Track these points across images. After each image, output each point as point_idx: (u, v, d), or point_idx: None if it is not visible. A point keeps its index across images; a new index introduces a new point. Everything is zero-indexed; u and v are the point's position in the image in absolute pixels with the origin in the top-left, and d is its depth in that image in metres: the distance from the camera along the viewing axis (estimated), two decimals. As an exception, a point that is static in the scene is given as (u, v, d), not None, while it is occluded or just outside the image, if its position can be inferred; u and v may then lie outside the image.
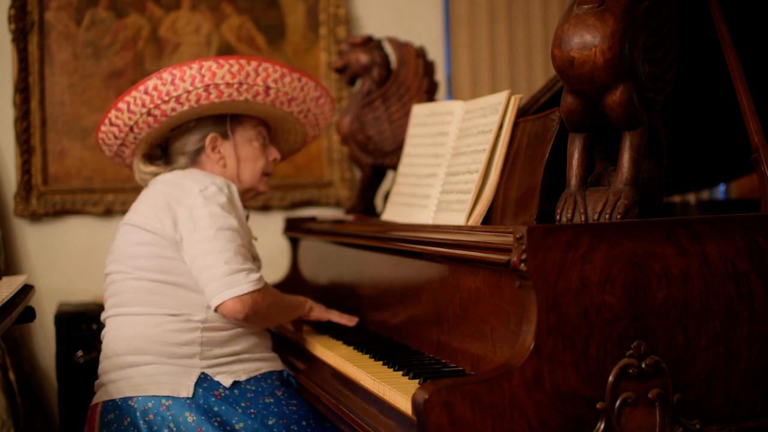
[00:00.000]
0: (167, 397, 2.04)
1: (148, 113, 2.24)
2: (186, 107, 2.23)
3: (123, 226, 2.23)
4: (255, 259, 2.26)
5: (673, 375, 1.49)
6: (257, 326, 2.18)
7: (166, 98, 2.21)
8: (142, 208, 2.20)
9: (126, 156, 2.40)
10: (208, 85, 2.21)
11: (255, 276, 2.09)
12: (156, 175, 2.31)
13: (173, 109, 2.23)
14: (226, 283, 2.05)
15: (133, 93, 2.23)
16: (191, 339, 2.09)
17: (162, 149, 2.38)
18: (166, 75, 2.21)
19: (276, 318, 2.27)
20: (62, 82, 3.43)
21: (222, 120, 2.33)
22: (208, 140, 2.30)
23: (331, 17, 3.64)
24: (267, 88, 2.28)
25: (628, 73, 1.57)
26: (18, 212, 3.37)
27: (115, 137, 2.32)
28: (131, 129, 2.28)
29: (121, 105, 2.24)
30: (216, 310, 2.08)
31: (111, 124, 2.29)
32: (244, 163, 2.34)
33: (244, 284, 2.05)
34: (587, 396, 1.44)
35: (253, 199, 2.48)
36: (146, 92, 2.22)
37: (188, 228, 2.10)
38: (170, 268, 2.12)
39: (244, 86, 2.24)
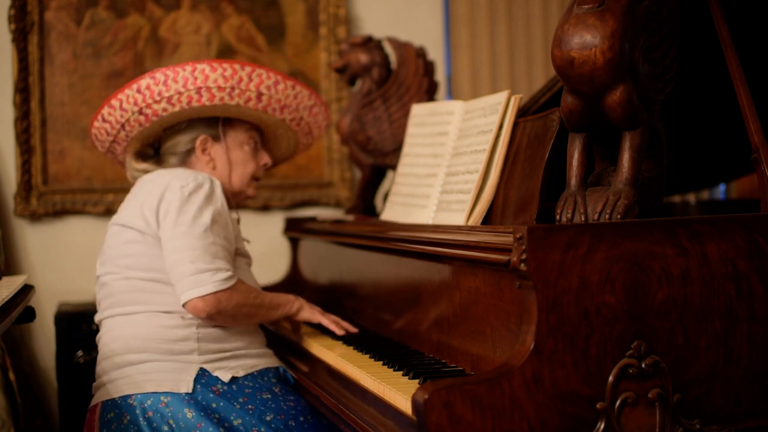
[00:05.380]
0: (166, 394, 2.05)
1: (140, 112, 2.25)
2: (177, 108, 2.25)
3: (111, 226, 2.25)
4: (242, 255, 2.28)
5: (673, 375, 1.49)
6: (228, 324, 2.15)
7: (158, 98, 2.23)
8: (129, 207, 2.22)
9: (118, 153, 2.42)
10: (200, 88, 2.22)
11: (221, 276, 2.07)
12: (146, 172, 2.32)
13: (165, 110, 2.25)
14: (190, 283, 2.05)
15: (126, 91, 2.24)
16: (187, 335, 2.11)
17: (154, 148, 2.39)
18: (159, 75, 2.23)
19: (250, 316, 2.18)
20: (62, 82, 3.43)
21: (214, 122, 2.34)
22: (198, 142, 2.32)
23: (331, 17, 3.64)
24: (259, 94, 2.28)
25: (628, 73, 1.57)
26: (18, 212, 3.37)
27: (107, 133, 2.34)
28: (123, 126, 2.30)
29: (114, 102, 2.26)
30: (184, 307, 2.09)
31: (103, 120, 2.31)
32: (234, 167, 2.35)
33: (208, 284, 2.05)
34: (587, 396, 1.44)
35: (243, 203, 2.48)
36: (138, 91, 2.23)
37: (166, 225, 2.12)
38: (157, 266, 2.13)
39: (236, 91, 2.25)
